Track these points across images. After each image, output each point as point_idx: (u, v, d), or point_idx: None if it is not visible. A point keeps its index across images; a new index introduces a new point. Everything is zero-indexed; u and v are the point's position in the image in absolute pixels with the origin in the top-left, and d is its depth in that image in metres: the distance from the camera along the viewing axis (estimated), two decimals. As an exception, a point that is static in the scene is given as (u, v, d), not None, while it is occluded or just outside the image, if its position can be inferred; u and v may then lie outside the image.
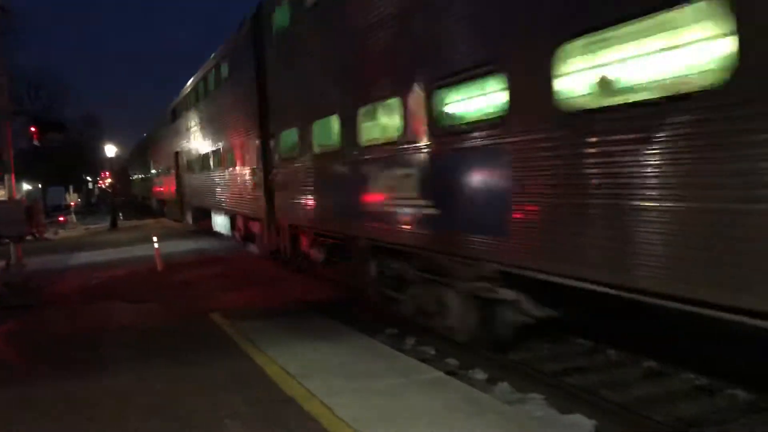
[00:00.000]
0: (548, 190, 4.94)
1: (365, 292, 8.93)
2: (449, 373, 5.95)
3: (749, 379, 5.31)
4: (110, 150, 35.63)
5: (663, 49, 4.05)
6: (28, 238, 18.16)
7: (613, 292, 4.47)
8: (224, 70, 16.31)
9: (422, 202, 6.72)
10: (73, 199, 40.49)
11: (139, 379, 5.88)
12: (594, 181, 4.47)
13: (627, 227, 4.22)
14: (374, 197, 7.88)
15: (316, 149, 9.91)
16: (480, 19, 5.72)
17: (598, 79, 4.63)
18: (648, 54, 4.16)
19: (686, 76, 3.90)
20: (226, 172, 16.55)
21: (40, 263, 15.26)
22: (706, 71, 3.72)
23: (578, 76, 4.71)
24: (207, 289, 10.74)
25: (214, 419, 4.76)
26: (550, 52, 4.72)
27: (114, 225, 28.60)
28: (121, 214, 32.68)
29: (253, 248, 15.86)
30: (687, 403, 5.26)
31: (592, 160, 4.49)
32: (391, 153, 7.33)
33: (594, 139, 4.46)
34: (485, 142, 5.66)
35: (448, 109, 6.43)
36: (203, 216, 21.91)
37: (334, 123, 9.01)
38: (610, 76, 4.56)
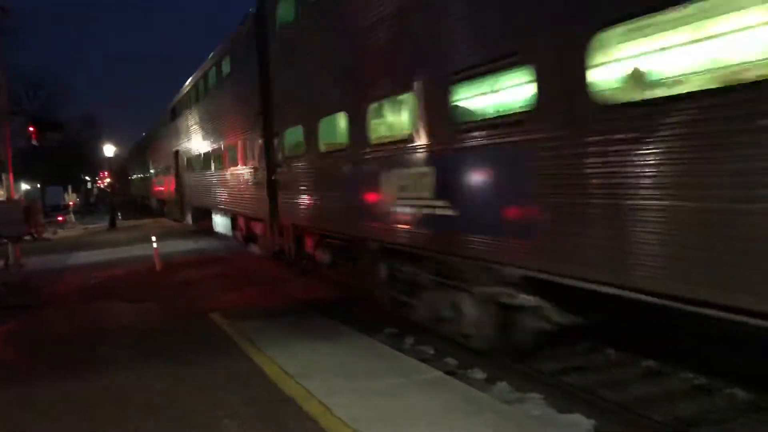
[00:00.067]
0: (584, 189, 4.52)
1: (374, 295, 8.63)
2: (448, 372, 5.95)
3: (748, 379, 5.32)
4: (109, 150, 35.60)
5: (720, 35, 3.71)
6: (27, 237, 18.15)
7: (673, 305, 4.00)
8: (225, 67, 15.96)
9: (438, 202, 6.38)
10: (71, 199, 40.48)
11: (139, 379, 5.88)
12: (640, 179, 4.04)
13: (687, 231, 3.79)
14: (385, 197, 7.51)
15: (323, 147, 9.55)
16: (503, 5, 5.33)
17: (639, 70, 4.35)
18: (700, 40, 3.82)
19: (745, 63, 3.55)
20: (228, 172, 16.20)
21: (38, 263, 15.25)
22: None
23: (616, 66, 4.43)
24: (206, 289, 10.73)
25: (213, 419, 4.76)
26: (584, 40, 4.33)
27: (113, 225, 28.57)
28: (119, 214, 32.62)
29: (254, 249, 15.62)
30: (686, 403, 5.27)
31: (634, 157, 4.07)
32: (404, 151, 7.00)
33: (635, 135, 4.05)
34: (509, 138, 5.26)
35: (467, 104, 6.12)
36: (203, 216, 21.72)
37: (342, 120, 8.71)
38: (654, 66, 4.26)
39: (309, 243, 11.12)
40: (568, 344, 7.02)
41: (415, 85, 6.69)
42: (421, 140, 6.66)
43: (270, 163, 12.32)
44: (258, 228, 14.56)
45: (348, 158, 8.55)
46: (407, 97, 6.97)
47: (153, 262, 13.67)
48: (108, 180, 61.41)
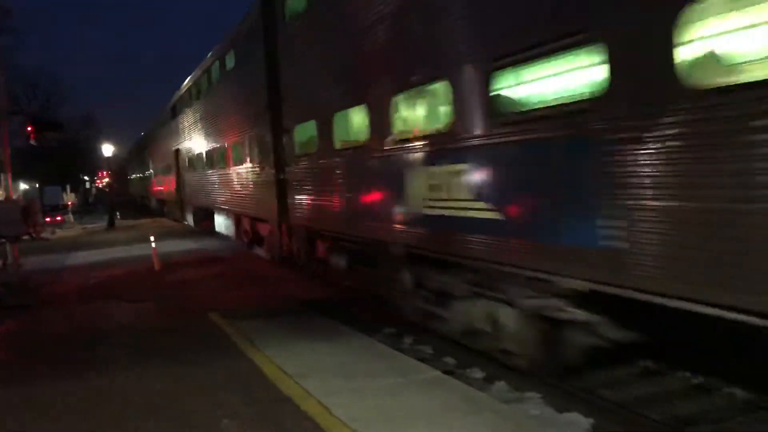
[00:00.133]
0: (677, 189, 3.81)
1: (396, 305, 8.03)
2: (447, 372, 5.95)
3: (747, 379, 5.33)
4: (107, 149, 35.60)
5: None
6: (25, 237, 18.12)
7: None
8: (230, 60, 15.28)
9: (478, 204, 5.70)
10: (70, 199, 40.43)
11: (138, 379, 5.89)
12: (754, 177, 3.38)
13: None
14: (411, 198, 6.88)
15: (338, 144, 8.92)
16: None
17: (746, 47, 3.73)
18: None
19: None
20: (232, 170, 15.59)
21: (37, 263, 15.25)
22: None
23: (713, 42, 3.85)
24: (206, 289, 10.73)
25: (213, 419, 4.77)
26: (674, 13, 3.68)
27: (111, 224, 28.54)
28: (118, 214, 32.57)
29: (260, 251, 15.08)
30: (684, 402, 5.28)
31: (741, 151, 3.40)
32: (436, 148, 6.38)
33: (743, 125, 3.39)
34: (571, 131, 4.55)
35: (515, 92, 5.51)
36: (205, 216, 21.38)
37: (362, 114, 8.09)
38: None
39: (322, 246, 10.53)
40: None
41: (450, 73, 6.03)
42: (457, 135, 5.99)
43: (278, 161, 11.67)
44: (264, 229, 14.03)
45: (368, 155, 7.90)
46: (440, 87, 6.38)
47: (152, 261, 13.66)
48: (107, 180, 61.36)
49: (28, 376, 6.29)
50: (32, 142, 19.89)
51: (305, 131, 10.33)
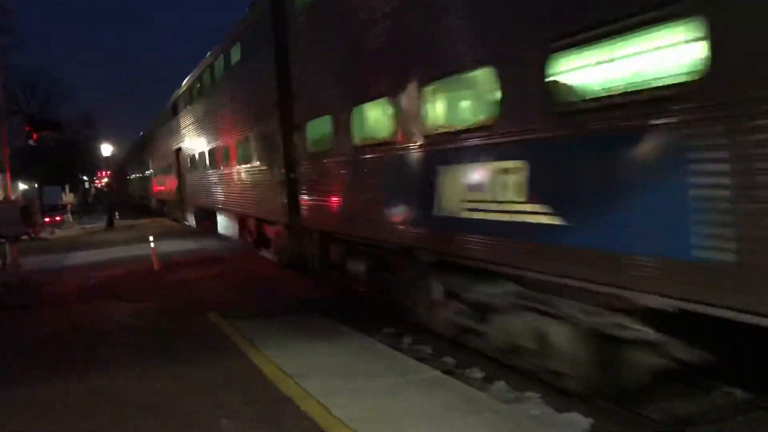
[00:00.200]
0: None
1: (422, 316, 7.44)
2: (446, 372, 5.95)
3: (747, 378, 5.33)
4: (106, 149, 35.61)
5: None
6: (24, 237, 18.11)
7: None
8: (235, 54, 14.59)
9: (531, 207, 5.00)
10: (69, 199, 40.40)
11: (138, 379, 5.89)
12: None
13: None
14: (444, 199, 6.25)
15: (358, 141, 8.22)
16: None
17: None
18: None
19: None
20: (237, 170, 14.96)
21: (36, 263, 15.24)
22: None
23: None
24: (205, 289, 10.73)
25: (212, 419, 4.76)
26: None
27: (111, 224, 28.51)
28: (117, 214, 32.54)
29: (266, 254, 14.43)
30: (683, 402, 5.28)
31: None
32: (478, 143, 5.68)
33: None
34: (652, 121, 3.94)
35: (580, 77, 4.79)
36: (207, 217, 20.90)
37: (384, 108, 7.44)
38: None
39: (336, 251, 9.82)
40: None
41: (496, 57, 5.37)
42: (505, 128, 5.30)
43: (288, 159, 11.00)
44: (271, 232, 13.42)
45: (392, 153, 7.26)
46: (482, 75, 5.68)
47: (151, 261, 13.66)
48: (106, 179, 61.34)
49: (28, 376, 6.29)
50: (31, 142, 19.90)
51: (319, 127, 9.69)
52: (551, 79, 4.77)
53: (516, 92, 5.16)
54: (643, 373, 4.77)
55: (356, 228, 8.58)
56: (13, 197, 16.96)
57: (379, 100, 7.57)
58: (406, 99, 6.85)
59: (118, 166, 62.31)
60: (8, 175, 15.11)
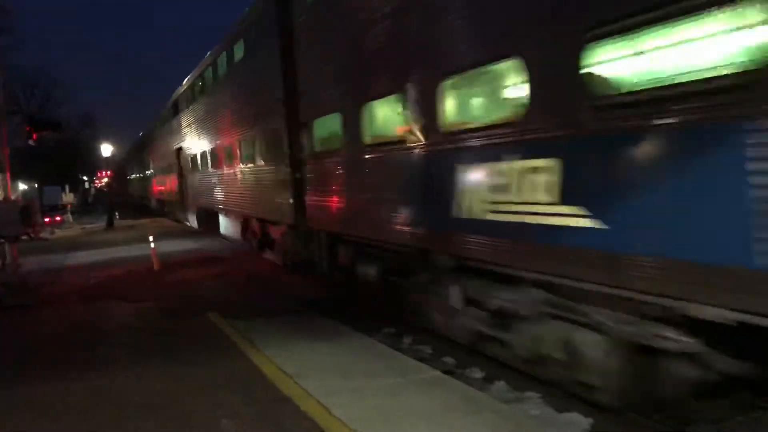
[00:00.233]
0: None
1: (437, 322, 7.17)
2: (446, 372, 5.96)
3: (747, 378, 5.32)
4: (106, 149, 35.61)
5: None
6: (24, 237, 18.13)
7: None
8: (238, 51, 14.27)
9: (564, 209, 4.63)
10: (69, 199, 40.42)
11: (138, 379, 5.89)
12: None
13: None
14: (467, 200, 5.83)
15: (368, 139, 7.87)
16: None
17: None
18: None
19: None
20: (240, 169, 14.59)
21: (36, 263, 15.24)
22: None
23: None
24: (205, 289, 10.74)
25: (212, 419, 4.77)
26: None
27: (110, 224, 28.52)
28: (117, 214, 32.55)
29: (270, 256, 14.05)
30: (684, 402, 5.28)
31: None
32: (504, 140, 5.30)
33: None
34: (712, 114, 3.57)
35: (620, 68, 4.45)
36: (209, 218, 20.54)
37: (399, 104, 7.08)
38: None
39: (345, 253, 9.49)
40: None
41: (523, 48, 4.98)
42: (534, 124, 4.94)
43: (294, 158, 10.60)
44: (276, 233, 13.02)
45: (406, 151, 6.92)
46: (507, 67, 5.34)
47: (151, 261, 13.66)
48: (106, 179, 61.36)
49: (28, 376, 6.29)
50: (31, 142, 19.91)
51: (327, 125, 9.36)
52: (588, 70, 4.42)
53: (548, 85, 4.76)
54: (682, 386, 4.47)
55: (367, 229, 8.18)
56: (12, 197, 16.96)
57: (393, 96, 7.22)
58: (421, 94, 6.52)
59: (118, 166, 62.30)
60: (8, 175, 15.10)
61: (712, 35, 3.71)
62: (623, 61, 4.37)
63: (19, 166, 35.50)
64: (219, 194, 17.53)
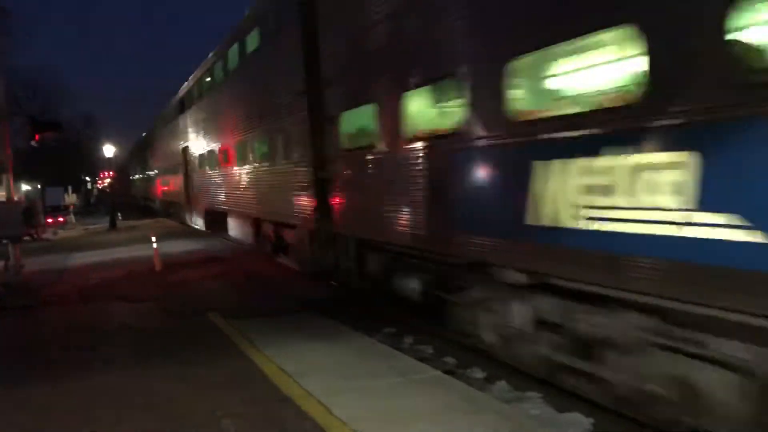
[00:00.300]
0: None
1: (494, 347, 6.26)
2: (447, 372, 5.96)
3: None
4: (109, 150, 35.64)
5: None
6: (26, 238, 18.17)
7: None
8: (252, 42, 13.40)
9: (707, 216, 3.63)
10: (72, 200, 40.50)
11: (138, 379, 5.89)
12: None
13: None
14: (550, 204, 4.80)
15: (412, 132, 6.88)
16: None
17: None
18: None
19: None
20: (253, 168, 13.81)
21: (39, 263, 15.27)
22: None
23: None
24: (206, 289, 10.74)
25: (213, 419, 4.76)
26: None
27: (113, 225, 28.56)
28: (120, 215, 32.59)
29: (285, 261, 13.19)
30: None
31: None
32: (610, 128, 4.26)
33: None
34: None
35: None
36: (216, 219, 19.85)
37: (453, 91, 6.13)
38: None
39: (377, 262, 8.59)
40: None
41: (641, 10, 3.96)
42: (654, 109, 3.92)
43: (318, 156, 9.65)
44: (292, 237, 12.15)
45: (462, 146, 5.94)
46: (614, 37, 4.33)
47: (153, 262, 13.67)
48: (108, 180, 61.46)
49: (28, 377, 6.29)
50: (34, 143, 19.96)
51: (357, 118, 8.48)
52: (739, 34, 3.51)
53: (680, 56, 3.76)
54: None
55: (407, 237, 7.13)
56: (15, 198, 16.99)
57: (444, 82, 6.26)
58: (485, 78, 5.47)
59: (121, 167, 62.37)
60: (11, 175, 15.11)
61: None
62: None
63: (22, 167, 35.56)
64: (229, 195, 16.84)
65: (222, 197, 17.77)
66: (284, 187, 11.47)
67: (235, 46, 14.92)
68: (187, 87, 23.17)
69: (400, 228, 7.24)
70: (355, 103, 8.52)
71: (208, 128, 19.18)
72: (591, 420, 5.03)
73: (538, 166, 4.91)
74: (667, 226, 3.86)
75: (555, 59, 5.09)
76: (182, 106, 24.26)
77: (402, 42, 7.02)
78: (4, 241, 13.42)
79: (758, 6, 3.52)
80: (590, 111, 4.56)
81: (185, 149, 23.68)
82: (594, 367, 5.00)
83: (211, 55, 18.19)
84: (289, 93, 10.71)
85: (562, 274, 4.92)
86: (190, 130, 22.62)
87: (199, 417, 4.83)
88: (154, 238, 14.74)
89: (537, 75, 5.34)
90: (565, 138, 4.66)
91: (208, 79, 19.05)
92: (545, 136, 4.85)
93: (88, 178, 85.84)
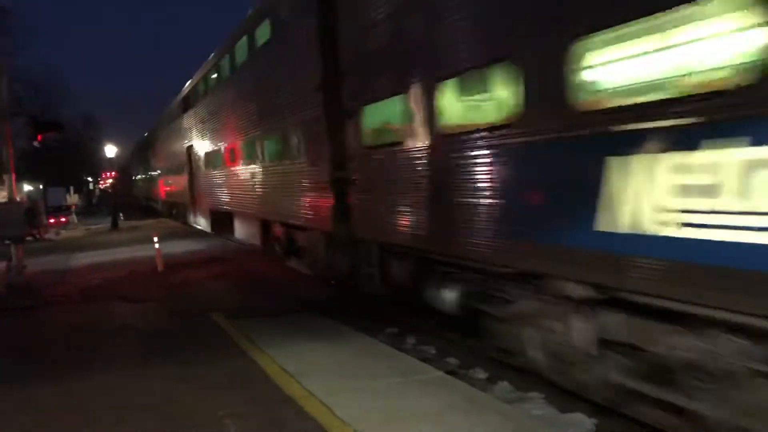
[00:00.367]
0: None
1: (545, 368, 5.61)
2: (449, 372, 5.94)
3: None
4: (110, 150, 35.69)
5: None
6: (29, 238, 18.18)
7: None
8: (262, 34, 12.71)
9: None
10: (74, 200, 40.57)
11: (140, 379, 5.88)
12: None
13: None
14: (627, 208, 4.12)
15: (448, 126, 6.25)
16: None
17: None
18: None
19: None
20: (263, 168, 13.28)
21: (41, 264, 15.29)
22: None
23: None
24: (208, 290, 10.74)
25: (214, 419, 4.75)
26: None
27: (115, 225, 28.58)
28: (122, 215, 32.61)
29: (296, 265, 12.56)
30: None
31: None
32: (710, 117, 3.55)
33: None
34: None
35: None
36: (222, 220, 19.41)
37: (498, 77, 5.54)
38: None
39: (403, 269, 7.88)
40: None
41: None
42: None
43: (336, 154, 9.00)
44: (304, 240, 11.57)
45: (510, 141, 5.32)
46: (713, 8, 3.57)
47: (155, 262, 13.67)
48: (110, 180, 61.54)
49: (30, 377, 6.29)
50: (36, 143, 19.96)
51: (382, 112, 7.85)
52: None
53: None
54: None
55: (442, 243, 6.53)
56: (17, 198, 16.98)
57: (492, 67, 5.57)
58: (542, 62, 4.83)
59: (122, 167, 62.45)
60: (13, 176, 15.10)
61: None
62: None
63: (24, 167, 35.63)
64: (236, 196, 16.32)
65: (228, 198, 17.33)
66: (297, 188, 10.90)
67: (243, 40, 14.27)
68: (191, 84, 22.72)
69: (436, 233, 6.60)
70: (379, 95, 7.81)
71: (214, 126, 18.58)
72: (593, 420, 5.01)
73: (615, 162, 4.18)
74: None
75: (628, 36, 4.16)
76: (186, 104, 23.79)
77: (441, 25, 6.25)
78: (7, 242, 13.43)
79: None
80: (678, 97, 3.81)
81: (189, 148, 23.21)
82: (680, 399, 4.28)
83: (216, 50, 17.66)
84: (305, 87, 10.00)
85: (644, 290, 4.15)
86: (194, 128, 22.07)
87: (199, 417, 4.82)
88: (156, 239, 14.74)
89: (606, 55, 4.42)
90: (645, 130, 3.94)
91: (214, 75, 18.46)
92: (624, 127, 4.11)
93: (90, 179, 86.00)
